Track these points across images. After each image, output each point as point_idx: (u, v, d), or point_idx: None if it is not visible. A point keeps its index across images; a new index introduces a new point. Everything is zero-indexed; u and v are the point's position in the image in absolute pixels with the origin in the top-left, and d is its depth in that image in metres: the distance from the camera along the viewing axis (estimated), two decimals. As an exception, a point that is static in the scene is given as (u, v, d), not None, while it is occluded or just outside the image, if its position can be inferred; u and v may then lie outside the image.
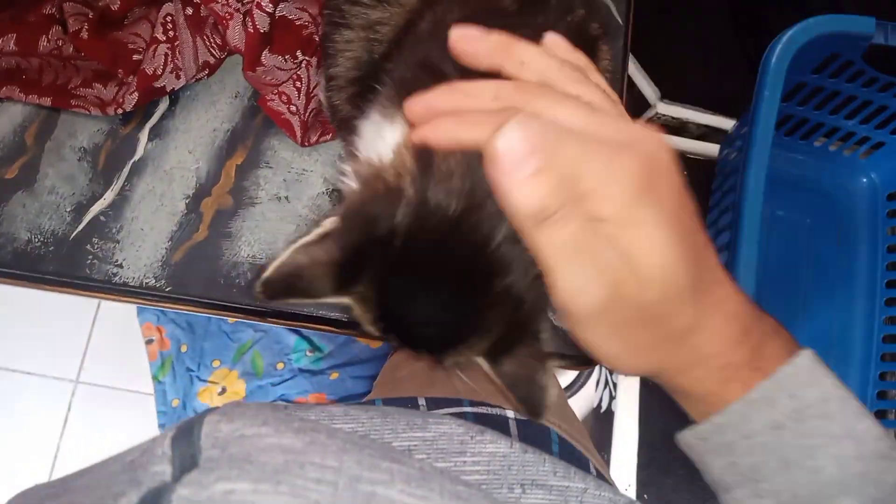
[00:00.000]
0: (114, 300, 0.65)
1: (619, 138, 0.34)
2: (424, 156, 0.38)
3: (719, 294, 0.37)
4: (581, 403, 1.19)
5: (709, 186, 1.13)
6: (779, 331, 0.40)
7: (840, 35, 0.92)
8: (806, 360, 0.38)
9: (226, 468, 0.32)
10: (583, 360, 0.70)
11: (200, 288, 0.65)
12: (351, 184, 0.44)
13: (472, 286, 0.39)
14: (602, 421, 1.11)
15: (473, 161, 0.36)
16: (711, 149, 1.14)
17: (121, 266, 0.65)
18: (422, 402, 0.60)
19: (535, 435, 0.58)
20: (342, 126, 0.63)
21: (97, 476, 0.36)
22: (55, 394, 1.37)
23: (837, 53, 0.97)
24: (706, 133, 1.15)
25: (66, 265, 0.64)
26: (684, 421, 1.00)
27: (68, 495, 0.34)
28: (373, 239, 0.39)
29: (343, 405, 0.52)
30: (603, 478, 0.59)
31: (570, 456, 0.59)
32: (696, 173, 1.16)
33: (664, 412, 1.05)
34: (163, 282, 0.65)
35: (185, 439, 0.36)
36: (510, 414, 0.58)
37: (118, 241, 0.65)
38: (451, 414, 0.57)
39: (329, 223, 0.42)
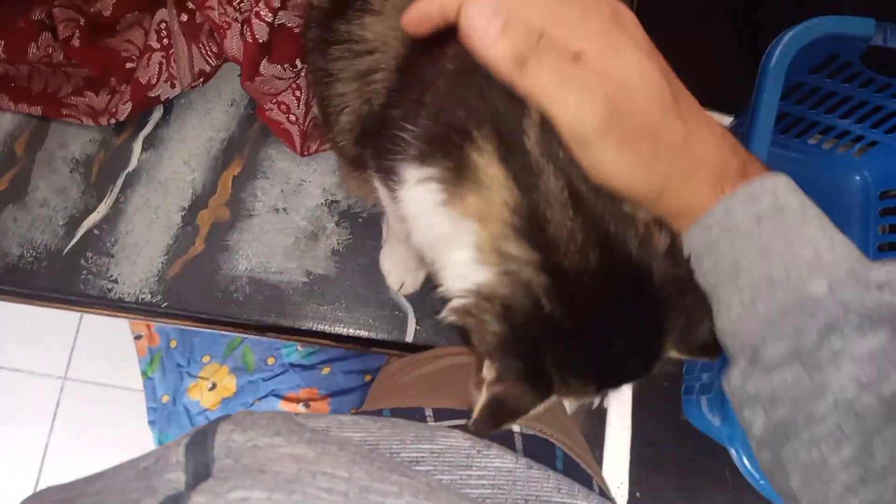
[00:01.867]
0: (109, 316, 0.64)
1: None
2: (536, 234, 0.39)
3: (704, 118, 0.41)
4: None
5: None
6: (758, 158, 0.43)
7: (840, 36, 0.92)
8: (786, 178, 0.40)
9: (240, 477, 0.33)
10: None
11: (197, 303, 0.64)
12: (461, 320, 0.43)
13: (645, 305, 0.40)
14: (594, 418, 1.12)
15: (574, 200, 0.38)
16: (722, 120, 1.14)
17: (116, 281, 0.63)
18: (429, 412, 0.60)
19: (539, 450, 0.59)
20: (353, 163, 0.60)
21: (111, 482, 0.36)
22: (43, 391, 1.35)
23: (836, 55, 0.97)
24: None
25: (60, 281, 0.62)
26: (677, 419, 1.01)
27: (83, 500, 0.34)
28: (541, 343, 0.40)
29: (353, 415, 0.52)
30: (605, 496, 0.60)
31: (574, 472, 0.59)
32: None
33: (657, 410, 1.06)
34: (159, 297, 0.63)
35: (198, 448, 0.37)
36: (515, 428, 0.58)
37: (113, 256, 0.64)
38: (458, 426, 0.57)
39: (487, 370, 0.42)
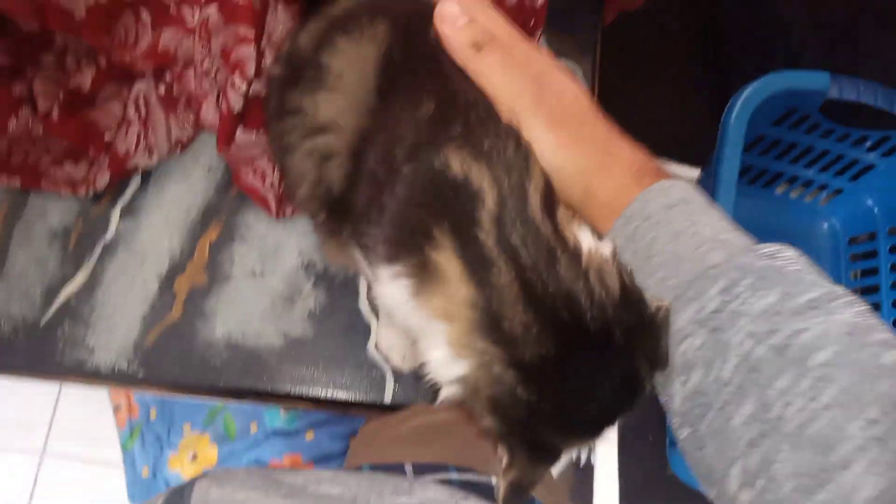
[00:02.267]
0: (86, 386, 0.64)
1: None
2: (495, 331, 0.41)
3: (620, 132, 0.48)
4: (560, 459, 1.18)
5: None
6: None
7: (797, 91, 0.96)
8: (693, 185, 0.46)
9: None
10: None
11: (175, 371, 0.64)
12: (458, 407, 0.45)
13: (613, 350, 0.42)
14: (582, 474, 1.11)
15: (524, 290, 0.40)
16: (692, 173, 1.17)
17: (92, 351, 0.63)
18: (408, 467, 0.59)
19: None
20: (320, 229, 0.62)
21: None
22: (20, 468, 1.32)
23: (795, 108, 1.01)
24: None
25: (37, 353, 0.62)
26: (664, 473, 1.00)
27: None
28: (534, 423, 0.42)
29: (331, 470, 0.52)
30: None
31: (556, 522, 0.59)
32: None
33: (643, 462, 1.06)
34: (136, 366, 0.63)
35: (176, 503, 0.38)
36: (495, 480, 0.58)
37: (89, 325, 0.64)
38: (438, 480, 0.57)
39: (500, 451, 0.43)
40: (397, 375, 0.67)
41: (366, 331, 0.68)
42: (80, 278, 0.65)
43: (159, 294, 0.66)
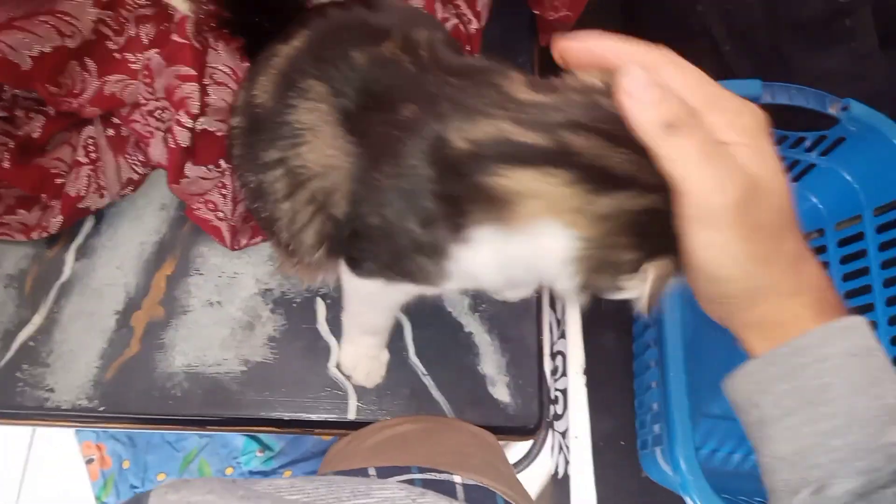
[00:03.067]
0: (47, 426, 0.64)
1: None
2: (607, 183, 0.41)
3: (808, 246, 0.42)
4: (538, 473, 1.19)
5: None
6: None
7: (730, 98, 1.00)
8: (870, 327, 0.42)
9: None
10: (527, 431, 0.72)
11: (135, 404, 0.64)
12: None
13: None
14: (560, 486, 1.11)
15: None
16: None
17: (52, 390, 0.64)
18: (372, 471, 0.60)
19: (481, 498, 0.59)
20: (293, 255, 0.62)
21: None
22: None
23: (730, 114, 1.05)
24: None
25: (-4, 396, 0.63)
26: (637, 478, 1.01)
27: None
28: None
29: (290, 479, 0.52)
30: None
31: (517, 520, 0.60)
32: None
33: (618, 471, 1.07)
34: (96, 402, 0.64)
35: None
36: (457, 479, 0.59)
37: (48, 365, 0.64)
38: (400, 481, 0.57)
39: (652, 271, 0.43)
40: (360, 393, 0.69)
41: (326, 352, 0.69)
42: (36, 320, 0.66)
43: (117, 330, 0.66)
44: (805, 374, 0.40)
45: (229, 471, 1.22)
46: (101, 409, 0.64)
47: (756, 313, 0.41)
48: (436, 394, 0.70)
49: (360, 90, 0.50)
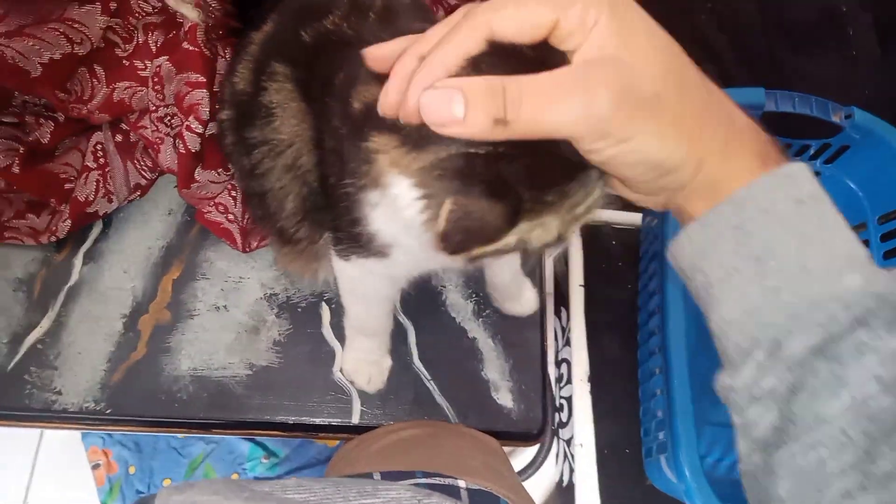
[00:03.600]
0: (54, 428, 0.65)
1: None
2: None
3: (743, 115, 0.39)
4: (543, 481, 1.19)
5: (637, 251, 1.19)
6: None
7: (734, 106, 1.00)
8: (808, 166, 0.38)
9: None
10: (531, 437, 0.72)
11: (141, 406, 0.65)
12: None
13: None
14: (565, 495, 1.11)
15: None
16: (635, 217, 1.21)
17: (59, 393, 0.64)
18: (377, 475, 0.61)
19: (485, 502, 0.59)
20: (289, 241, 0.65)
21: None
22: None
23: (735, 122, 1.05)
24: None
25: (4, 398, 0.63)
26: (641, 486, 1.01)
27: None
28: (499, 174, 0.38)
29: (296, 479, 0.53)
30: None
31: (523, 523, 0.60)
32: (626, 239, 1.21)
33: (622, 479, 1.06)
34: (102, 404, 0.64)
35: None
36: (462, 483, 0.59)
37: (56, 368, 0.65)
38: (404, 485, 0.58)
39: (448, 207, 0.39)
40: (364, 397, 0.69)
41: (330, 356, 0.70)
42: (45, 323, 0.66)
43: (124, 334, 0.67)
44: (748, 228, 0.36)
45: (235, 477, 1.22)
46: (108, 411, 0.64)
47: (697, 180, 0.37)
48: (439, 399, 0.70)
49: (308, 65, 0.55)
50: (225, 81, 0.64)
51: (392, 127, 0.41)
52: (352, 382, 0.69)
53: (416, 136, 0.40)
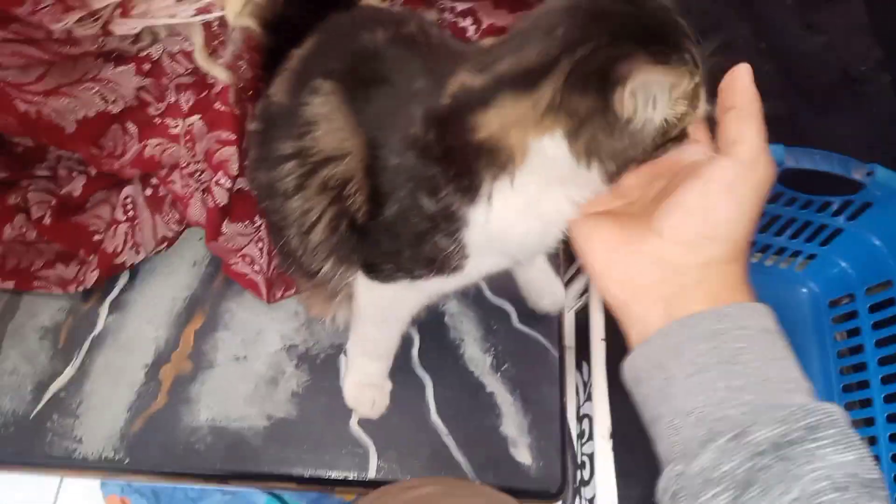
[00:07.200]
0: (74, 476, 0.65)
1: None
2: None
3: None
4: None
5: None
6: None
7: (754, 163, 1.01)
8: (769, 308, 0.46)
9: None
10: (549, 495, 0.71)
11: (159, 457, 0.65)
12: None
13: None
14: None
15: None
16: None
17: (80, 441, 0.65)
18: None
19: None
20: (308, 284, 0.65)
21: None
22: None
23: (755, 179, 1.06)
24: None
25: (26, 445, 0.64)
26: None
27: None
28: None
29: None
30: None
31: None
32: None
33: (640, 486, 1.03)
34: (122, 454, 0.65)
35: None
36: None
37: (77, 416, 0.66)
38: None
39: None
40: (380, 451, 0.69)
41: (348, 409, 0.70)
42: (69, 372, 0.68)
43: (145, 383, 0.68)
44: (724, 337, 0.42)
45: (250, 529, 1.21)
46: (126, 461, 0.64)
47: (709, 271, 0.45)
48: (457, 455, 0.69)
49: (360, 77, 0.53)
50: (260, 100, 0.63)
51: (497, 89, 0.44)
52: (354, 410, 0.69)
53: (524, 79, 0.43)
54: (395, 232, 0.51)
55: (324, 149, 0.53)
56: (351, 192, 0.53)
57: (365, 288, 0.59)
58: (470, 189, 0.47)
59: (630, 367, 0.47)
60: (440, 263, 0.52)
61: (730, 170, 0.44)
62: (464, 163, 0.47)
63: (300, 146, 0.54)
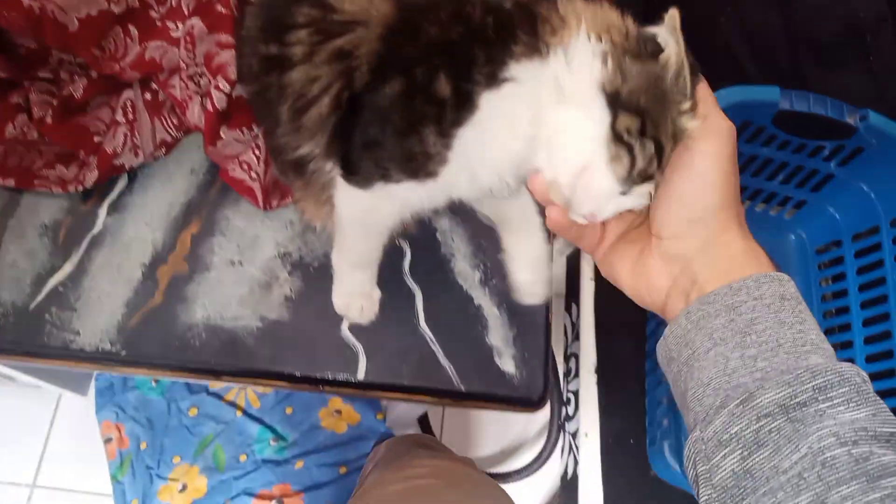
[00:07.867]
0: (70, 366, 0.67)
1: None
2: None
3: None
4: (550, 473, 1.19)
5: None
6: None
7: (749, 103, 1.02)
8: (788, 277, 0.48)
9: None
10: (531, 402, 0.73)
11: (155, 350, 0.67)
12: None
13: None
14: (568, 487, 1.11)
15: None
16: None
17: (78, 333, 0.67)
18: None
19: None
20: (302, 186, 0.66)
21: None
22: (10, 500, 1.32)
23: (749, 121, 1.07)
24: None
25: (25, 334, 0.66)
26: (646, 478, 1.01)
27: None
28: None
29: None
30: None
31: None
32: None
33: (627, 470, 1.06)
34: (118, 346, 0.67)
35: None
36: None
37: (76, 310, 0.68)
38: None
39: None
40: (370, 355, 0.71)
41: (340, 315, 0.72)
42: (67, 268, 0.69)
43: (142, 281, 0.70)
44: (739, 309, 0.44)
45: (243, 458, 1.24)
46: (123, 353, 0.66)
47: (712, 252, 0.47)
48: (444, 361, 0.72)
49: None
50: None
51: None
52: (344, 316, 0.71)
53: None
54: (386, 116, 0.51)
55: (347, 8, 0.52)
56: (359, 62, 0.52)
57: (343, 195, 0.59)
58: (500, 65, 0.48)
59: (662, 347, 0.50)
60: (417, 164, 0.52)
61: (686, 150, 0.47)
62: (515, 31, 0.49)
63: (315, 14, 0.53)
